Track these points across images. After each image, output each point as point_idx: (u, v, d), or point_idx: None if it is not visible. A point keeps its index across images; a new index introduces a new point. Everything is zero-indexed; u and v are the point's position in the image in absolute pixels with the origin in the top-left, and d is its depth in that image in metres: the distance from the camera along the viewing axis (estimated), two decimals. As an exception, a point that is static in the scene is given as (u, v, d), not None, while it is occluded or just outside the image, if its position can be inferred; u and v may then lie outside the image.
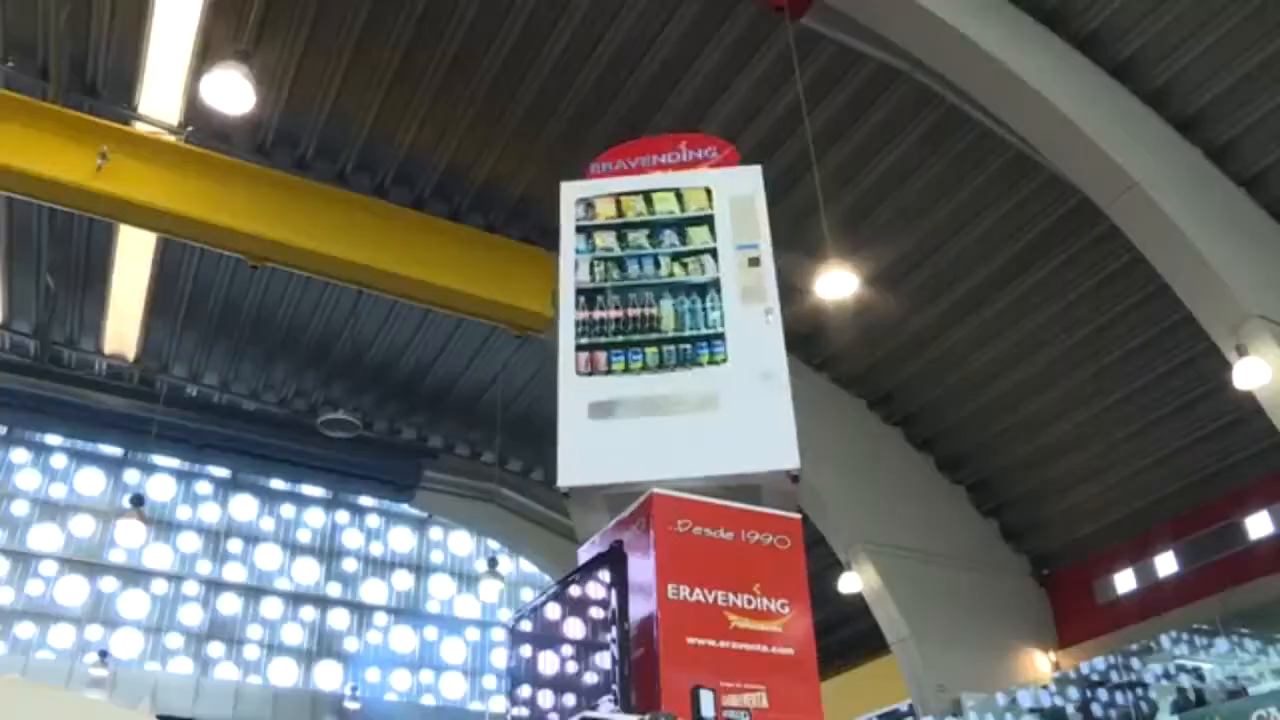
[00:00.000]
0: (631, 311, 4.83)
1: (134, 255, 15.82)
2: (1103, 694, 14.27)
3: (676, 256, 4.94)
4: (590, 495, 4.61)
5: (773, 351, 4.60)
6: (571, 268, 5.07)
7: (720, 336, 4.64)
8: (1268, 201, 11.77)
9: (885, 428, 16.98)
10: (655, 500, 4.01)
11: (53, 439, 21.17)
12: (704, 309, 4.74)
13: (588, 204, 5.25)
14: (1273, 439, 11.53)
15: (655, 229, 5.05)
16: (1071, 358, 14.59)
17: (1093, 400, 14.91)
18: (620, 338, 4.78)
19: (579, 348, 4.83)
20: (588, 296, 4.97)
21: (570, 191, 5.32)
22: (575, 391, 4.73)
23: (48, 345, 18.21)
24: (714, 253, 4.88)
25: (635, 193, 5.20)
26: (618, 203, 5.19)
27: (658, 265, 4.93)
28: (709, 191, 5.07)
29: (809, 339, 15.33)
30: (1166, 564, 15.58)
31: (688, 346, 4.66)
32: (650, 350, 4.70)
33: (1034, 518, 17.04)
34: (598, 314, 4.88)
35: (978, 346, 15.10)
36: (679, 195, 5.12)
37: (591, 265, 5.05)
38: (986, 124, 12.14)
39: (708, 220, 4.98)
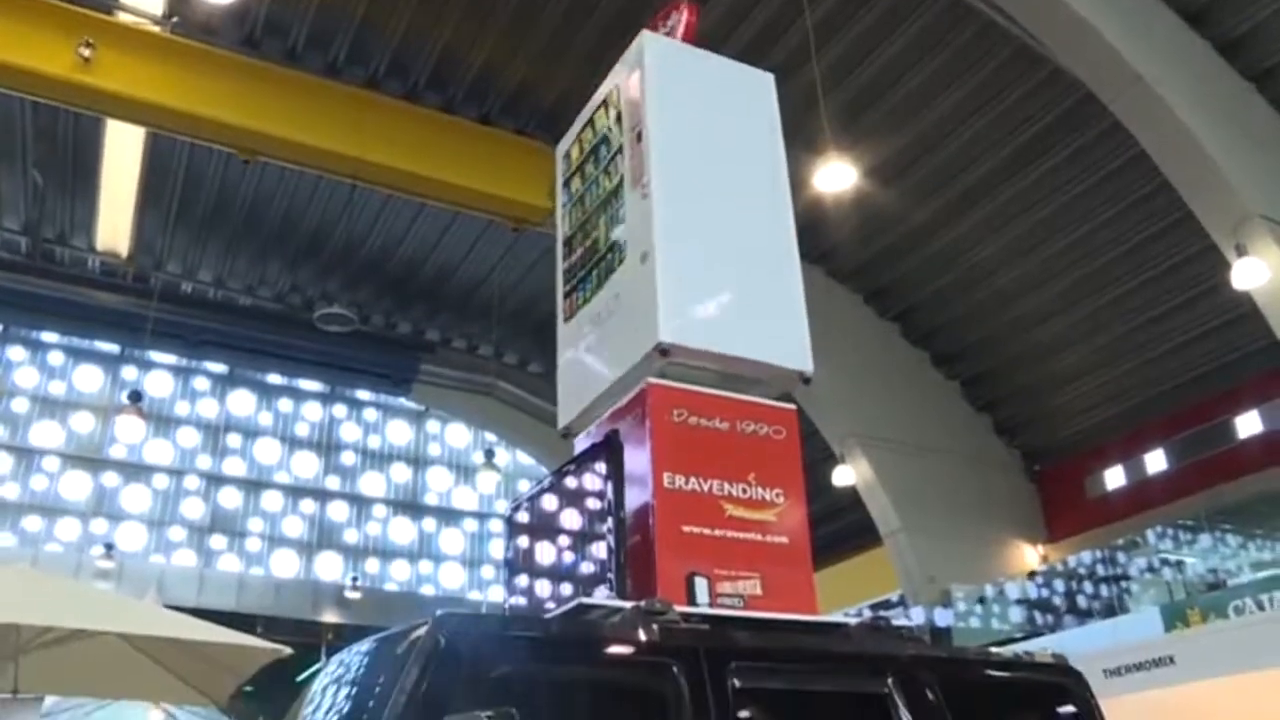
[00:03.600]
0: (587, 243, 4.74)
1: (123, 150, 15.51)
2: (1088, 586, 14.60)
3: (606, 169, 4.70)
4: (584, 428, 4.58)
5: (647, 229, 4.22)
6: (561, 223, 5.03)
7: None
8: (1276, 98, 11.58)
9: (882, 322, 17.01)
10: (651, 390, 4.01)
11: (49, 336, 21.20)
12: (617, 212, 4.52)
13: (566, 155, 5.11)
14: (1268, 339, 11.56)
15: (596, 151, 4.83)
16: (1069, 255, 14.53)
17: (1089, 298, 14.91)
18: (581, 273, 4.72)
19: (564, 296, 4.84)
20: (567, 245, 4.93)
21: (558, 152, 5.22)
22: (561, 339, 4.80)
23: (39, 242, 18.04)
24: (622, 149, 4.57)
25: (585, 125, 4.97)
26: (579, 142, 5.01)
27: (598, 186, 4.74)
28: (619, 87, 4.72)
29: (806, 232, 15.12)
30: (1156, 461, 15.77)
31: (610, 256, 4.51)
32: (594, 275, 4.62)
33: (1027, 413, 17.20)
34: (572, 258, 4.85)
35: (976, 242, 15.03)
36: (605, 104, 4.81)
37: (570, 213, 4.98)
38: (990, 15, 11.86)
39: (620, 117, 4.65)
